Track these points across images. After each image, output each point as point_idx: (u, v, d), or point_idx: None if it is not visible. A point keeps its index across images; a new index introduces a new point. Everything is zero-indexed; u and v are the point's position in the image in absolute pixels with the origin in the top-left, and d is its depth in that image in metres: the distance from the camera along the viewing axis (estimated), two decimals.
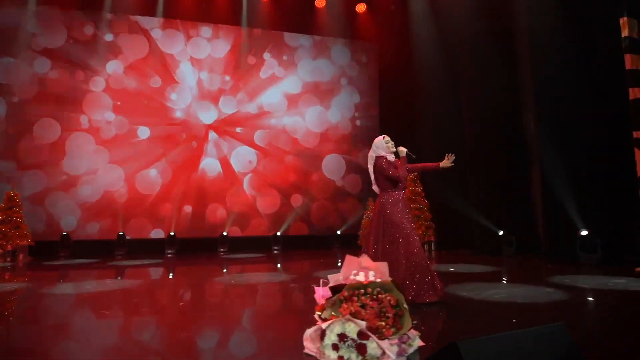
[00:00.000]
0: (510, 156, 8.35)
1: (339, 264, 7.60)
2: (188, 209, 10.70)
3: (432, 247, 10.00)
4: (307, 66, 11.99)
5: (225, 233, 10.63)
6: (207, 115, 11.11)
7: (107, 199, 10.17)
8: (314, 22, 11.98)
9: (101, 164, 10.22)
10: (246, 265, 7.94)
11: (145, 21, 10.84)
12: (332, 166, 11.95)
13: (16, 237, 8.61)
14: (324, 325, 2.25)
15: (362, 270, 2.82)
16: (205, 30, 11.29)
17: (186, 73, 11.06)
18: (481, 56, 8.68)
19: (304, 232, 11.44)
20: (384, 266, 2.82)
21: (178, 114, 10.92)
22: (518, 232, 7.89)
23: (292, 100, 11.80)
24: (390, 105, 12.01)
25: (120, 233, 9.99)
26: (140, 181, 10.45)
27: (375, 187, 4.11)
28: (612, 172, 6.15)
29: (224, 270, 7.29)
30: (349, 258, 2.87)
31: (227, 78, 11.34)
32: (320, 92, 12.05)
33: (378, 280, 2.65)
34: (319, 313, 2.58)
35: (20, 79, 9.89)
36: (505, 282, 5.35)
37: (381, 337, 2.26)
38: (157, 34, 10.91)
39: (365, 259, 2.87)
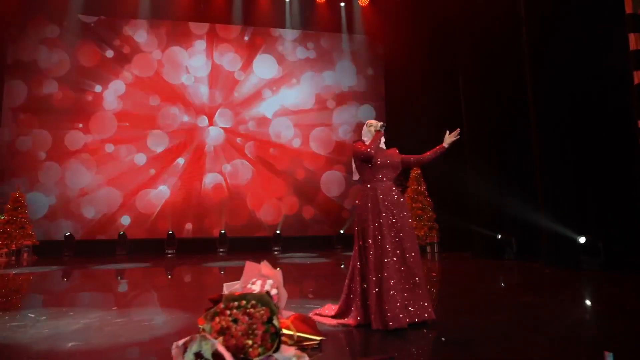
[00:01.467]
0: (512, 154, 7.72)
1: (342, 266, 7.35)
2: (189, 226, 10.76)
3: (435, 250, 9.48)
4: (307, 68, 11.78)
5: (223, 231, 10.60)
6: (207, 127, 11.15)
7: (107, 206, 10.40)
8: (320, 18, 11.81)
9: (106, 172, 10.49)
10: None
11: (143, 37, 11.01)
12: (332, 181, 11.70)
13: (21, 237, 8.93)
14: (180, 343, 2.01)
15: (260, 278, 2.56)
16: (200, 44, 11.32)
17: (188, 86, 11.15)
18: (484, 47, 8.13)
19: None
20: (280, 274, 2.54)
21: (180, 126, 10.99)
22: (518, 234, 7.28)
23: (291, 77, 11.64)
24: (397, 110, 11.57)
25: (121, 233, 10.17)
26: (142, 196, 10.61)
27: (356, 175, 3.31)
28: (615, 169, 5.50)
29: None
30: (249, 264, 2.62)
31: (225, 87, 11.34)
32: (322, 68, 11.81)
33: (258, 291, 2.38)
34: (201, 326, 2.34)
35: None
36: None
37: (246, 357, 1.99)
38: (155, 51, 11.07)
39: (265, 266, 2.60)
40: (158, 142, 10.81)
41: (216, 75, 11.30)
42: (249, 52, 11.53)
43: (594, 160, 5.75)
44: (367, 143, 3.23)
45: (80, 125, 10.47)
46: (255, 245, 10.71)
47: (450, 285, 5.18)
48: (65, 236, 9.85)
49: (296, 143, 11.57)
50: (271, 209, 11.21)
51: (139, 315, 3.44)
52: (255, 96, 11.48)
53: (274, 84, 11.59)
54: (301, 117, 11.66)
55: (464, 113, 8.82)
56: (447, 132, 3.36)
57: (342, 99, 11.91)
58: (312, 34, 11.86)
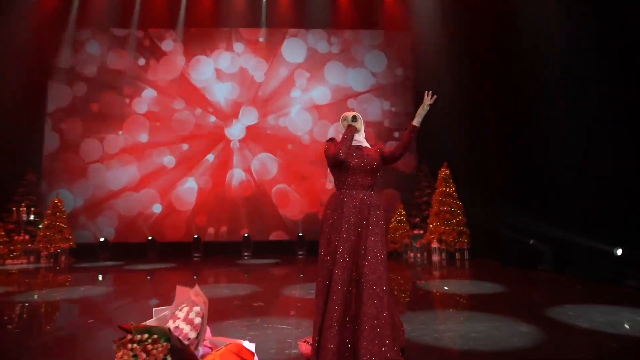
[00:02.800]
0: (545, 157, 6.93)
1: None
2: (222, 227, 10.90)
3: (466, 257, 8.80)
4: (332, 66, 11.46)
5: (246, 234, 10.61)
6: (234, 127, 11.22)
7: (141, 208, 10.81)
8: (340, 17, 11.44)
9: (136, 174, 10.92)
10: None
11: (168, 42, 11.31)
12: None
13: (59, 241, 9.50)
14: None
15: (189, 304, 2.35)
16: (223, 46, 11.41)
17: (213, 87, 11.30)
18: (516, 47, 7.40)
19: None
20: (205, 303, 2.31)
21: (206, 127, 11.18)
22: (553, 243, 6.50)
23: (317, 74, 11.38)
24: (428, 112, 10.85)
25: (150, 238, 10.52)
26: (175, 196, 10.91)
27: (329, 184, 2.87)
28: None
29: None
30: (179, 289, 2.42)
31: (251, 87, 11.33)
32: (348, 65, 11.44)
33: (182, 318, 2.17)
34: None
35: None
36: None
37: None
38: (179, 53, 11.33)
39: (196, 290, 2.39)
40: (186, 145, 11.04)
41: (240, 75, 11.33)
42: (272, 52, 11.43)
43: (635, 167, 4.95)
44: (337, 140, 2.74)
45: (120, 132, 10.98)
46: (278, 248, 10.62)
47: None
48: (100, 240, 10.36)
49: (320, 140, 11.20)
50: (296, 210, 11.04)
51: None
52: (279, 94, 11.36)
53: (298, 82, 11.38)
54: (325, 113, 11.34)
55: (491, 114, 8.12)
56: (427, 93, 2.82)
57: (367, 98, 11.42)
58: (335, 31, 11.50)
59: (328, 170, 2.79)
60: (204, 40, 11.40)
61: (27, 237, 9.48)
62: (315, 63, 11.43)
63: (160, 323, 2.29)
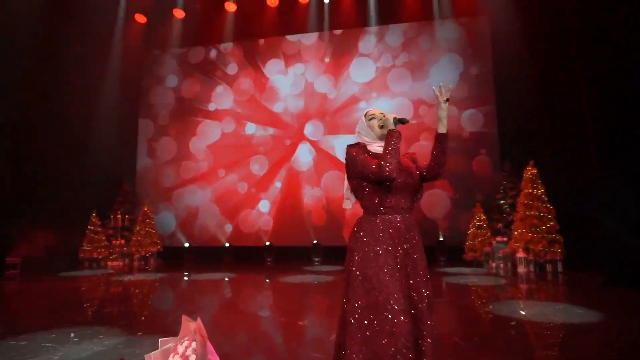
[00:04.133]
0: None
1: None
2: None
3: (559, 269, 7.61)
4: (403, 57, 10.83)
5: (315, 241, 10.54)
6: (306, 121, 11.27)
7: (220, 205, 11.42)
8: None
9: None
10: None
11: (245, 43, 11.76)
12: (434, 202, 10.25)
13: (148, 245, 10.43)
14: None
15: (190, 338, 2.22)
16: (296, 42, 11.48)
17: (283, 76, 11.47)
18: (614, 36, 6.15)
19: None
20: (202, 338, 2.15)
21: (276, 145, 11.38)
22: None
23: (387, 83, 10.84)
24: (508, 97, 9.66)
25: (227, 245, 11.07)
26: (248, 209, 11.33)
27: (348, 203, 2.22)
28: None
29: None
30: (185, 320, 2.30)
31: (324, 81, 11.25)
32: (418, 70, 10.69)
33: (181, 353, 2.04)
34: None
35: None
36: None
37: None
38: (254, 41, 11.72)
39: (198, 324, 2.25)
40: (257, 163, 11.38)
41: (306, 91, 11.33)
42: (339, 69, 11.19)
43: None
44: (371, 149, 2.09)
45: (198, 156, 11.80)
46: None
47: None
48: (185, 246, 11.21)
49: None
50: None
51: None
52: (347, 107, 11.08)
53: (366, 93, 10.92)
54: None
55: (587, 107, 6.88)
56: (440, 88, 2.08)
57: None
58: (401, 28, 10.85)
59: (346, 184, 2.18)
60: (266, 54, 11.64)
61: (122, 241, 10.57)
62: (382, 78, 10.90)
63: (163, 355, 2.20)
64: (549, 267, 7.65)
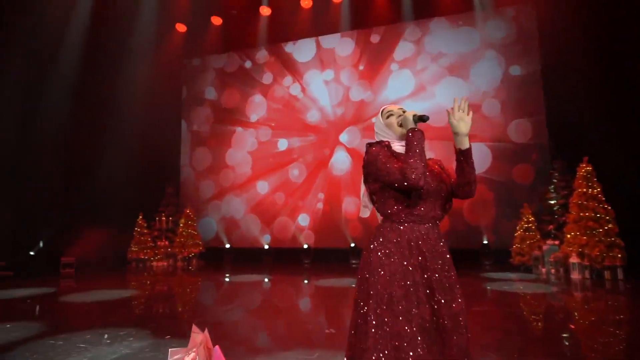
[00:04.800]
0: None
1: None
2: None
3: (619, 276, 6.90)
4: (439, 48, 10.37)
5: (353, 244, 10.38)
6: (340, 121, 11.14)
7: (259, 205, 11.59)
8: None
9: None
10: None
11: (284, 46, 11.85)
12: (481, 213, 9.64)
13: (190, 246, 10.77)
14: None
15: (197, 349, 2.17)
16: (332, 40, 11.39)
17: (318, 83, 11.41)
18: None
19: None
20: (207, 348, 2.08)
21: (313, 116, 11.36)
22: None
23: (425, 87, 10.42)
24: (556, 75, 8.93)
25: (266, 247, 11.18)
26: (286, 216, 11.39)
27: (366, 211, 2.03)
28: None
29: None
30: (195, 330, 2.26)
31: (358, 81, 11.07)
32: (459, 71, 10.17)
33: None
34: None
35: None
36: None
37: None
38: (288, 48, 11.76)
39: (205, 335, 2.20)
40: (295, 170, 11.40)
41: (342, 97, 11.19)
42: (372, 67, 10.94)
43: None
44: (395, 149, 1.87)
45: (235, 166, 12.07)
46: None
47: None
48: (226, 247, 11.49)
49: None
50: None
51: None
52: (386, 84, 10.77)
53: (402, 98, 10.54)
54: (438, 132, 10.03)
55: None
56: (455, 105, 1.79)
57: (489, 107, 9.79)
58: (439, 23, 10.38)
59: (363, 189, 1.95)
60: (296, 64, 11.64)
61: (167, 242, 11.00)
62: (419, 80, 10.50)
63: None
64: (607, 274, 6.96)
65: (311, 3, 11.30)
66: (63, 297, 6.28)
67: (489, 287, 6.61)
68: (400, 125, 1.89)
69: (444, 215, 1.87)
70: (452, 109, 1.79)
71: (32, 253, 9.44)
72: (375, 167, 1.80)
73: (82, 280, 8.13)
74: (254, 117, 12.02)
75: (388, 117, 1.94)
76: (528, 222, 8.43)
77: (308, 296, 6.64)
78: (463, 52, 10.13)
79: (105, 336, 3.92)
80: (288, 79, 11.73)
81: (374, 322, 1.70)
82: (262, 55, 12.04)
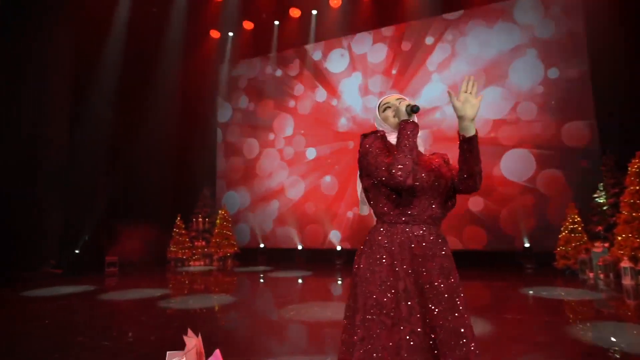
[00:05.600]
0: None
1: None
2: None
3: None
4: (476, 44, 9.88)
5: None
6: (372, 128, 10.95)
7: (292, 212, 11.65)
8: None
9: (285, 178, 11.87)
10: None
11: (308, 48, 11.83)
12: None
13: (225, 247, 11.02)
14: None
15: (190, 354, 2.16)
16: (360, 38, 11.22)
17: (350, 83, 11.30)
18: None
19: (478, 246, 9.40)
20: (198, 352, 2.06)
21: (344, 124, 11.26)
22: None
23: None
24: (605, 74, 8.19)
25: (300, 247, 11.22)
26: (316, 194, 11.38)
27: (364, 208, 1.90)
28: None
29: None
30: (188, 336, 2.25)
31: (389, 79, 10.83)
32: (496, 70, 9.63)
33: None
34: None
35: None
36: None
37: None
38: (317, 55, 11.73)
39: (197, 341, 2.18)
40: (328, 175, 11.29)
41: (372, 102, 10.98)
42: (403, 71, 10.58)
43: None
44: (390, 140, 1.76)
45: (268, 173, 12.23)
46: None
47: None
48: (259, 247, 11.69)
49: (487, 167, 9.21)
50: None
51: None
52: (419, 116, 10.43)
53: (435, 101, 10.00)
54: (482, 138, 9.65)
55: None
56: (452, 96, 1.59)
57: (529, 110, 9.14)
58: (471, 14, 9.84)
59: (359, 186, 1.81)
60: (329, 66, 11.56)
61: (203, 243, 11.33)
62: (453, 73, 10.04)
63: None
64: None
65: (340, 2, 11.19)
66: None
67: (530, 293, 6.20)
68: (395, 117, 1.77)
69: (444, 214, 1.71)
70: (462, 90, 1.60)
71: (77, 251, 10.07)
72: (367, 161, 1.68)
73: (121, 280, 8.55)
74: (284, 126, 12.06)
75: (385, 109, 1.82)
76: (574, 222, 7.82)
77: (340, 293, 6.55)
78: (501, 52, 9.56)
79: (130, 334, 4.05)
80: (319, 89, 11.63)
81: (360, 335, 1.59)
82: (293, 63, 12.07)
